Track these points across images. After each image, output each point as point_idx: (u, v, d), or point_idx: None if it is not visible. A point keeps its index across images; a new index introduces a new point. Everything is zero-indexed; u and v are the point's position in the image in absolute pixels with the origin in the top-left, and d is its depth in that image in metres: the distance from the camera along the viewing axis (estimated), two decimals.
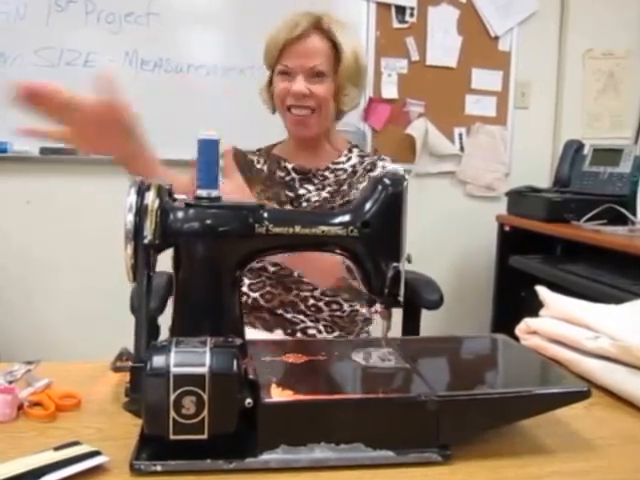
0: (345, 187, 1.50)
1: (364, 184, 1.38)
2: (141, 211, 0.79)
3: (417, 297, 1.62)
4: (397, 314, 1.54)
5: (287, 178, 1.53)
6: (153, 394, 0.70)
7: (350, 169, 1.53)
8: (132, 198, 0.80)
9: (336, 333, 1.48)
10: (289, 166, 1.54)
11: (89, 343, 2.60)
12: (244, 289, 1.48)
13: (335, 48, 1.44)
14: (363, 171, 1.51)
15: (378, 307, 0.91)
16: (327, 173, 1.52)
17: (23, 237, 2.80)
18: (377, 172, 1.46)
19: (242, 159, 1.55)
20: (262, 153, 1.61)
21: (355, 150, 1.58)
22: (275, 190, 1.51)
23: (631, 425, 0.89)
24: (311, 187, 1.51)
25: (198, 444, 0.71)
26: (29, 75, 2.62)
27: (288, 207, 1.48)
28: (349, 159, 1.55)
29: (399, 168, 1.34)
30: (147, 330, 0.77)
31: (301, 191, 1.51)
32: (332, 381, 0.86)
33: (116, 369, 0.85)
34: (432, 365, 0.95)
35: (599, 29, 3.23)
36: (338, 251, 0.89)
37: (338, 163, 1.54)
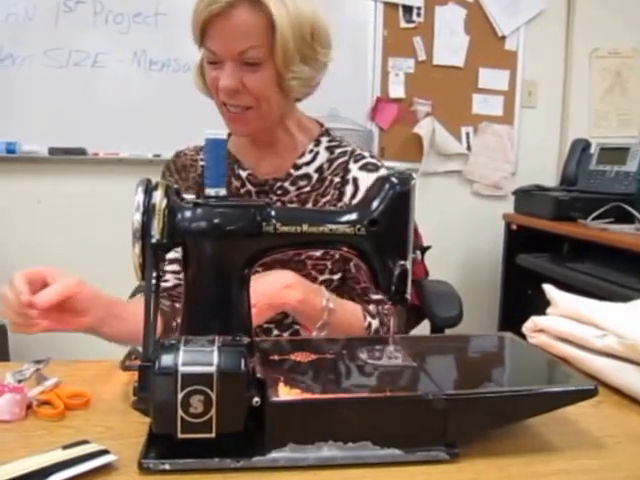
0: (310, 205, 1.25)
1: (332, 196, 1.27)
2: (149, 210, 0.79)
3: (434, 317, 1.53)
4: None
5: (242, 190, 1.27)
6: (161, 393, 0.70)
7: (316, 175, 1.27)
8: (139, 197, 0.80)
9: None
10: (243, 174, 1.27)
11: (98, 342, 2.61)
12: None
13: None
14: (329, 183, 1.27)
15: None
16: (287, 184, 1.26)
17: (33, 236, 2.81)
18: (349, 176, 1.26)
19: (192, 170, 1.32)
20: None
21: (324, 140, 1.29)
22: None
23: (638, 423, 0.89)
24: None
25: (206, 443, 0.71)
26: (38, 76, 2.66)
27: None
28: (315, 156, 1.27)
29: (378, 163, 1.27)
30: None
31: None
32: (339, 380, 0.86)
33: (125, 368, 0.85)
34: (439, 363, 0.94)
35: (605, 28, 3.23)
36: (345, 249, 0.89)
37: (300, 167, 1.27)
